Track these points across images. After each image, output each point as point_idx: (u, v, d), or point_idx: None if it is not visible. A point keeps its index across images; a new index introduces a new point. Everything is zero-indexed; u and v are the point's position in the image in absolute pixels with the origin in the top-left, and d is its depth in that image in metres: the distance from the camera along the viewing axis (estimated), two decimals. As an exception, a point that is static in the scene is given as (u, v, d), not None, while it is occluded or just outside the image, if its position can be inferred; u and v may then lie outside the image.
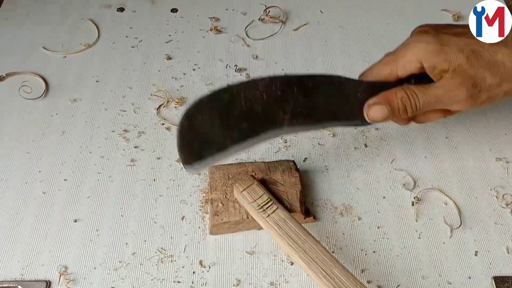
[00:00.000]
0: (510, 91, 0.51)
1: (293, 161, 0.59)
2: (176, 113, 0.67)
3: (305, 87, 0.53)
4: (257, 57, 0.75)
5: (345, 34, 0.78)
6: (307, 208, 0.58)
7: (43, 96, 0.69)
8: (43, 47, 0.74)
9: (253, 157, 0.63)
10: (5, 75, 0.72)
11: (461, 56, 0.50)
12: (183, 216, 0.58)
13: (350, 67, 0.73)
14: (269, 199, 0.54)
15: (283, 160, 0.60)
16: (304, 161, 0.62)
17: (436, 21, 0.76)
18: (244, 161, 0.61)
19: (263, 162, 0.59)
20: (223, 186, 0.57)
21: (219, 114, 0.51)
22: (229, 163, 0.60)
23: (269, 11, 0.79)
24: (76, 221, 0.57)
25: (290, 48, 0.76)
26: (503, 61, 0.50)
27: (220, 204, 0.56)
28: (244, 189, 0.55)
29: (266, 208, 0.53)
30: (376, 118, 0.53)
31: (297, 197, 0.56)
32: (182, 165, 0.53)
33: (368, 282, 0.53)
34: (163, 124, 0.66)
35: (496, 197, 0.59)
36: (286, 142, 0.64)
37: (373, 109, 0.53)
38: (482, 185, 0.61)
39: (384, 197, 0.59)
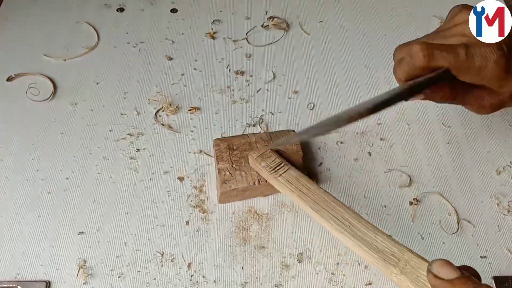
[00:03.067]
0: None
1: (294, 130, 0.62)
2: (173, 119, 0.67)
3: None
4: (250, 57, 0.75)
5: (346, 40, 0.78)
6: (310, 173, 0.61)
7: (50, 98, 0.69)
8: (45, 55, 0.74)
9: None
10: (14, 76, 0.72)
11: None
12: (184, 217, 0.58)
13: (352, 72, 0.73)
14: (281, 162, 0.57)
15: (284, 130, 0.62)
16: (319, 165, 0.63)
17: (427, 26, 0.77)
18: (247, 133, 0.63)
19: (265, 132, 0.62)
20: (228, 156, 0.59)
21: None
22: (233, 135, 0.62)
23: (274, 19, 0.79)
24: (76, 221, 0.58)
25: (291, 54, 0.76)
26: None
27: (228, 173, 0.58)
28: (258, 156, 0.58)
29: (278, 169, 0.56)
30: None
31: (300, 163, 0.59)
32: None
33: (370, 283, 0.53)
34: (163, 126, 0.66)
35: (498, 204, 0.59)
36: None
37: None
38: (484, 190, 0.60)
39: (385, 206, 0.59)
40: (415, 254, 0.46)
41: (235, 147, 0.60)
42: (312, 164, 0.62)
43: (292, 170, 0.56)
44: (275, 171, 0.56)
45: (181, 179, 0.61)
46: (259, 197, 0.59)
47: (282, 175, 0.56)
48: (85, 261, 0.54)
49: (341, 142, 0.65)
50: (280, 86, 0.71)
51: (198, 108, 0.68)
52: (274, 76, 0.72)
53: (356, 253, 0.51)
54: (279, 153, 0.59)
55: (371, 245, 0.48)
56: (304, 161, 0.59)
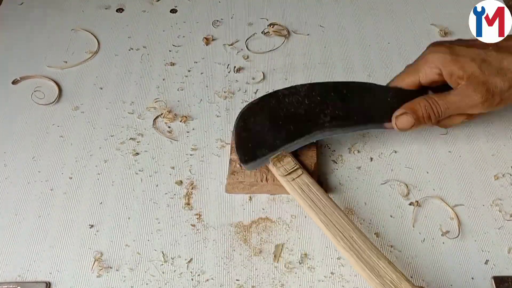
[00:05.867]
0: None
1: None
2: (172, 123, 0.67)
3: (341, 92, 0.60)
4: (250, 60, 0.75)
5: (347, 45, 0.78)
6: (321, 181, 0.61)
7: (55, 102, 0.69)
8: (48, 66, 0.74)
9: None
10: (19, 79, 0.72)
11: (473, 64, 0.56)
12: (184, 218, 0.58)
13: (353, 79, 0.73)
14: (295, 165, 0.57)
15: None
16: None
17: (425, 34, 0.77)
18: None
19: None
20: None
21: (269, 117, 0.59)
22: None
23: (274, 25, 0.79)
24: (76, 222, 0.58)
25: (292, 59, 0.76)
26: (508, 67, 0.56)
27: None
28: (274, 156, 0.58)
29: (292, 173, 0.57)
30: (404, 127, 0.59)
31: (312, 169, 0.59)
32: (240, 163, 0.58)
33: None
34: (161, 133, 0.66)
35: (499, 211, 0.59)
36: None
37: (400, 120, 0.58)
38: (485, 195, 0.60)
39: (391, 216, 0.59)
40: (411, 284, 0.48)
41: None
42: (325, 171, 0.62)
43: (305, 176, 0.56)
44: (289, 174, 0.56)
45: (181, 180, 0.61)
46: (266, 194, 0.60)
47: (296, 179, 0.56)
48: (101, 254, 0.55)
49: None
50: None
51: (190, 117, 0.68)
52: (264, 77, 0.73)
53: (357, 272, 0.52)
54: (294, 154, 0.59)
55: (374, 269, 0.49)
56: (316, 167, 0.59)
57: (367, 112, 0.60)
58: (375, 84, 0.61)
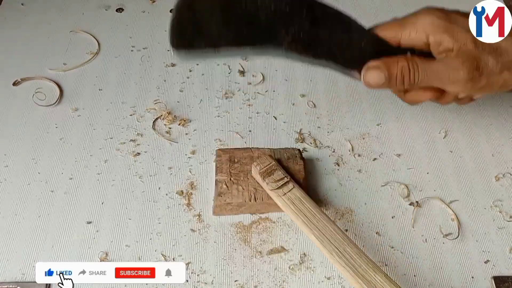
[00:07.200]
0: (507, 82, 0.52)
1: (299, 149, 0.60)
2: (173, 124, 0.67)
3: (314, 14, 0.50)
4: (249, 59, 0.75)
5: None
6: (311, 192, 0.59)
7: (56, 103, 0.69)
8: (49, 69, 0.74)
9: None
10: (20, 80, 0.72)
11: (468, 35, 0.50)
12: (185, 219, 0.58)
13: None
14: (286, 178, 0.55)
15: (289, 148, 0.61)
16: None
17: None
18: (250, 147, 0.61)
19: (268, 148, 0.60)
20: (228, 168, 0.58)
21: (221, 8, 0.49)
22: (235, 147, 0.61)
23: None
24: (76, 222, 0.58)
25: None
26: (506, 48, 0.51)
27: (225, 186, 0.57)
28: (262, 168, 0.56)
29: (283, 187, 0.55)
30: (372, 83, 0.53)
31: (301, 182, 0.57)
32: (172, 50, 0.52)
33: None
34: (162, 135, 0.66)
35: (500, 211, 0.59)
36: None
37: (370, 74, 0.52)
38: (485, 195, 0.60)
39: (392, 217, 0.59)
40: None
41: (236, 160, 0.59)
42: (325, 171, 0.62)
43: (297, 190, 0.55)
44: (279, 188, 0.55)
45: (181, 181, 0.61)
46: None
47: (287, 194, 0.54)
48: (107, 254, 0.55)
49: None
50: (282, 90, 0.71)
51: (188, 120, 0.67)
52: (264, 78, 0.73)
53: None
54: (282, 166, 0.57)
55: (370, 283, 0.47)
56: (306, 182, 0.58)
57: (334, 48, 0.52)
58: (355, 22, 0.52)
